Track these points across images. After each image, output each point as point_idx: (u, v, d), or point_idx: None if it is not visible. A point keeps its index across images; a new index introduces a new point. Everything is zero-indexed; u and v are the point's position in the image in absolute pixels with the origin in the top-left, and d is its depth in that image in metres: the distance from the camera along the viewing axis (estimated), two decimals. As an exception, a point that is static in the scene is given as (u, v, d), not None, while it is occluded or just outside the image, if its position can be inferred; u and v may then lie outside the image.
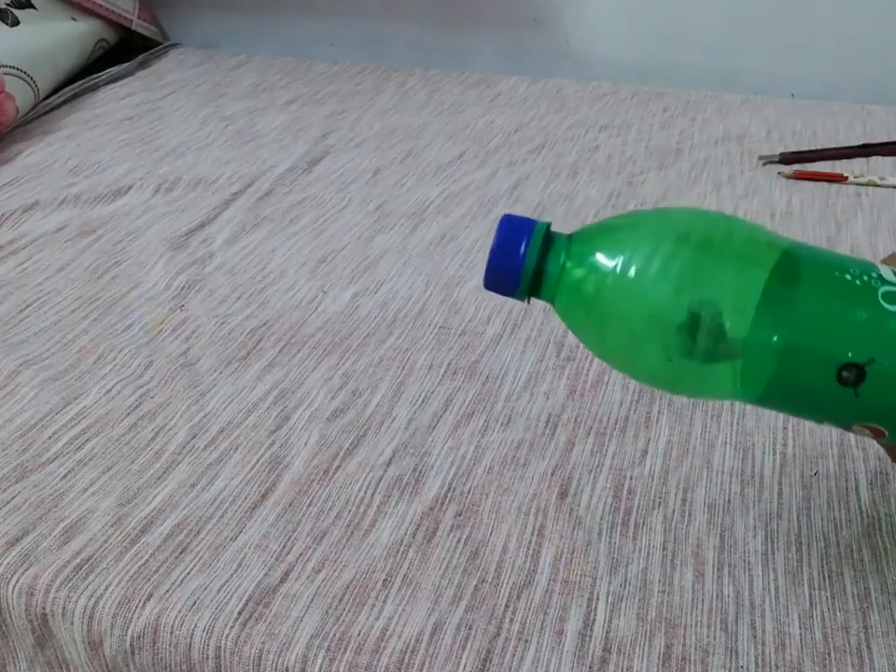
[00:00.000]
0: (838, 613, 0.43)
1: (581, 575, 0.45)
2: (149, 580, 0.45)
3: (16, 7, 1.07)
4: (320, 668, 0.41)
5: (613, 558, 0.46)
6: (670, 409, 0.56)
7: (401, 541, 0.47)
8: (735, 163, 0.89)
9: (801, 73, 1.11)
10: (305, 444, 0.53)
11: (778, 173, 0.86)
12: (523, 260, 0.36)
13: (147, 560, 0.46)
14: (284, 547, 0.47)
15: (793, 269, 0.34)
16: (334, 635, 0.42)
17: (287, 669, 0.41)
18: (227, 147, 0.94)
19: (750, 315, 0.34)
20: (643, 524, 0.48)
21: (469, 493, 0.50)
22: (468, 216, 0.80)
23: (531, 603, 0.44)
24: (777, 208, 0.80)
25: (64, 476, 0.51)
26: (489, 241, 0.76)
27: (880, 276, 0.34)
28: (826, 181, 0.84)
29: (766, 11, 1.10)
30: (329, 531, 0.48)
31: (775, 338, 0.34)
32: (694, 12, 1.13)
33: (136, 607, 0.44)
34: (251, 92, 1.09)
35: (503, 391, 0.58)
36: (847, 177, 0.84)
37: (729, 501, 0.49)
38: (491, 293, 0.36)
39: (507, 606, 0.43)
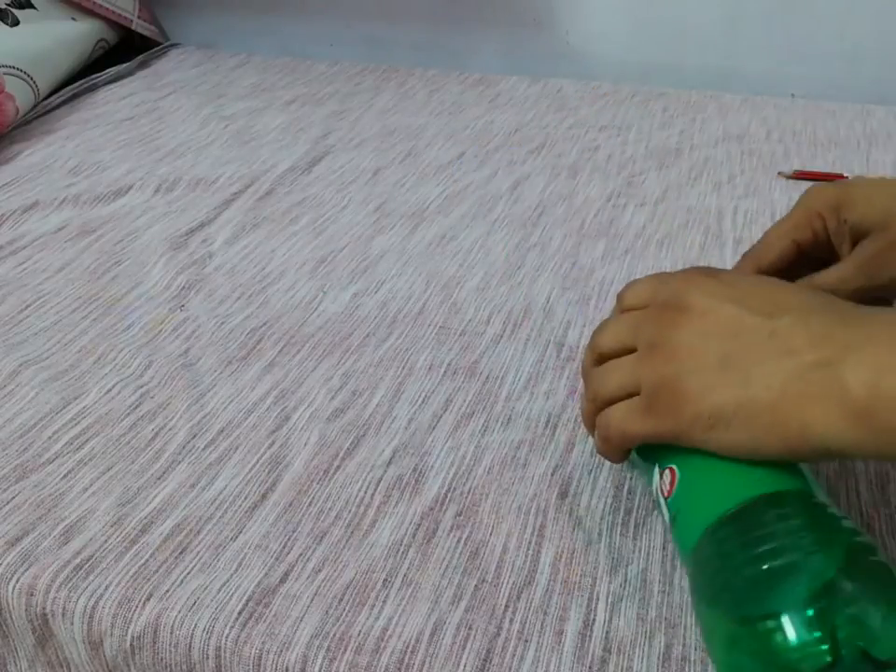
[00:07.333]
0: (838, 613, 0.43)
1: (580, 575, 0.45)
2: (149, 580, 0.45)
3: (16, 7, 1.07)
4: (320, 668, 0.41)
5: (613, 558, 0.46)
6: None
7: (401, 541, 0.47)
8: (735, 163, 0.89)
9: (801, 73, 1.11)
10: (305, 444, 0.53)
11: (779, 173, 0.86)
12: None
13: (146, 560, 0.46)
14: (284, 547, 0.47)
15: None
16: (334, 635, 0.42)
17: (286, 669, 0.41)
18: (227, 147, 0.94)
19: None
20: (643, 524, 0.48)
21: (469, 493, 0.50)
22: (467, 216, 0.80)
23: (531, 603, 0.44)
24: (777, 208, 0.80)
25: (64, 476, 0.51)
26: (489, 241, 0.76)
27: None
28: (826, 181, 0.84)
29: (766, 11, 1.10)
30: (329, 531, 0.48)
31: None
32: (694, 13, 1.13)
33: (136, 607, 0.44)
34: (251, 92, 1.09)
35: (503, 391, 0.58)
36: (846, 177, 0.84)
37: (729, 501, 0.49)
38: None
39: (507, 606, 0.43)
